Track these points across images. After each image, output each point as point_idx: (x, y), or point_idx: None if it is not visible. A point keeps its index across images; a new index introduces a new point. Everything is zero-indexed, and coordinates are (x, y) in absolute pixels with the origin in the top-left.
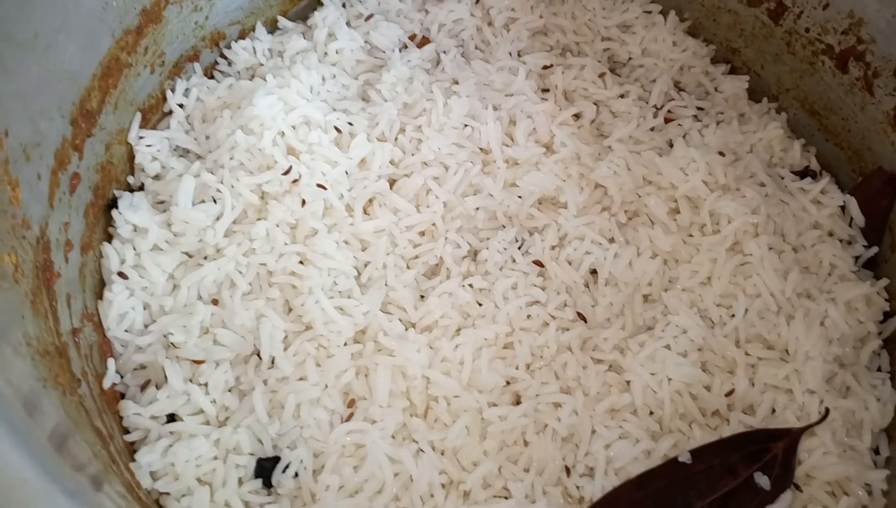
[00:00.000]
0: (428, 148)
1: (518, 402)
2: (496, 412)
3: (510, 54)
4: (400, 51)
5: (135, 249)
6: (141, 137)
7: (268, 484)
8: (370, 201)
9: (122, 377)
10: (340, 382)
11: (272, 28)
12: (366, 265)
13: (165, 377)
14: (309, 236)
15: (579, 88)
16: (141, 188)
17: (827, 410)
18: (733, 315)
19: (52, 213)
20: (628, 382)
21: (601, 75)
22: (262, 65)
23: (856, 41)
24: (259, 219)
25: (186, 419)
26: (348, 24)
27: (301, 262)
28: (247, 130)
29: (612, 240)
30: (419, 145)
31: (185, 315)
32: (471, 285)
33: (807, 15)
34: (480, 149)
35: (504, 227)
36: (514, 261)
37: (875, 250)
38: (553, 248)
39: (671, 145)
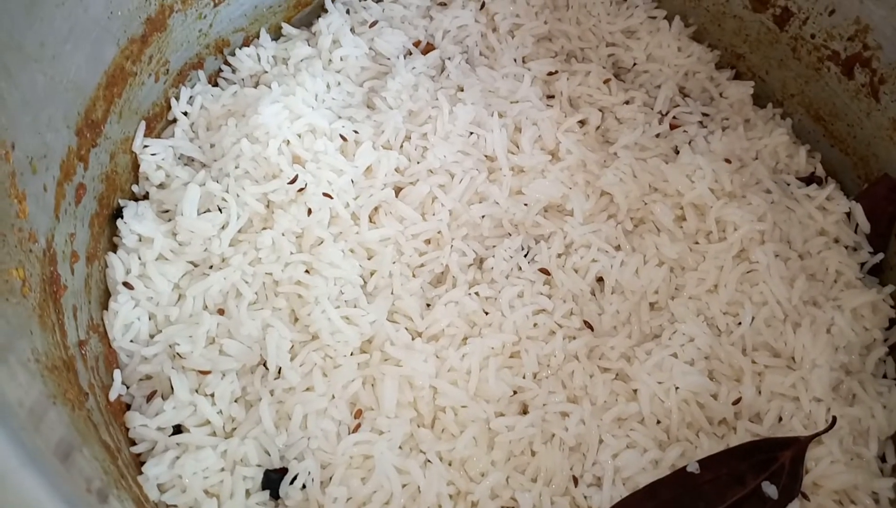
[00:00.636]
0: (433, 156)
1: (525, 412)
2: (503, 422)
3: (515, 61)
4: (404, 57)
5: (140, 259)
6: (145, 146)
7: (275, 496)
8: (376, 209)
9: (127, 387)
10: (347, 392)
11: (276, 35)
12: (372, 274)
13: (171, 387)
14: (315, 245)
15: (584, 95)
16: (146, 197)
17: (834, 418)
18: (740, 323)
19: (57, 225)
20: (635, 391)
21: (606, 81)
22: (266, 72)
23: (862, 47)
24: (265, 228)
25: (193, 430)
26: (352, 30)
27: (307, 271)
28: (252, 138)
29: (618, 248)
30: (425, 153)
31: (190, 325)
32: (477, 294)
33: (813, 21)
34: (486, 156)
35: (510, 235)
36: (520, 269)
37: (881, 256)
38: (559, 256)
39: (677, 152)
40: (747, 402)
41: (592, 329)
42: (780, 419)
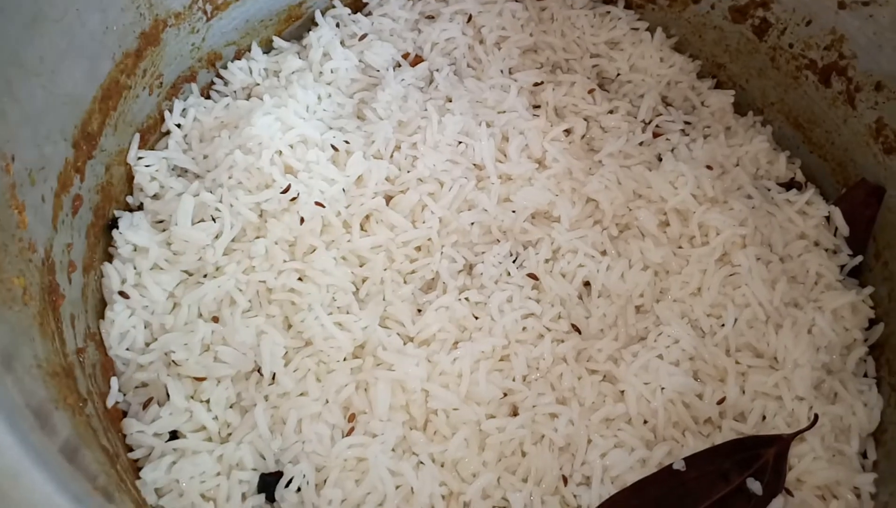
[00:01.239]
0: (423, 165)
1: (515, 413)
2: (494, 424)
3: (502, 72)
4: (394, 69)
5: (135, 268)
6: (140, 158)
7: (271, 499)
8: (367, 217)
9: (124, 395)
10: (341, 397)
11: (268, 48)
12: (364, 281)
13: (167, 394)
14: (307, 252)
15: (570, 105)
16: (140, 208)
17: (816, 416)
18: (723, 325)
19: (55, 235)
20: (622, 392)
21: (591, 91)
22: (258, 84)
23: (838, 56)
24: (258, 237)
25: (189, 435)
26: (342, 43)
27: (300, 278)
28: (245, 149)
29: (604, 253)
30: (414, 162)
31: (185, 333)
32: (467, 299)
33: (790, 31)
34: (474, 165)
35: (498, 241)
36: (508, 274)
37: (860, 258)
38: (547, 261)
39: (660, 159)
40: (731, 401)
41: (580, 332)
42: (764, 417)
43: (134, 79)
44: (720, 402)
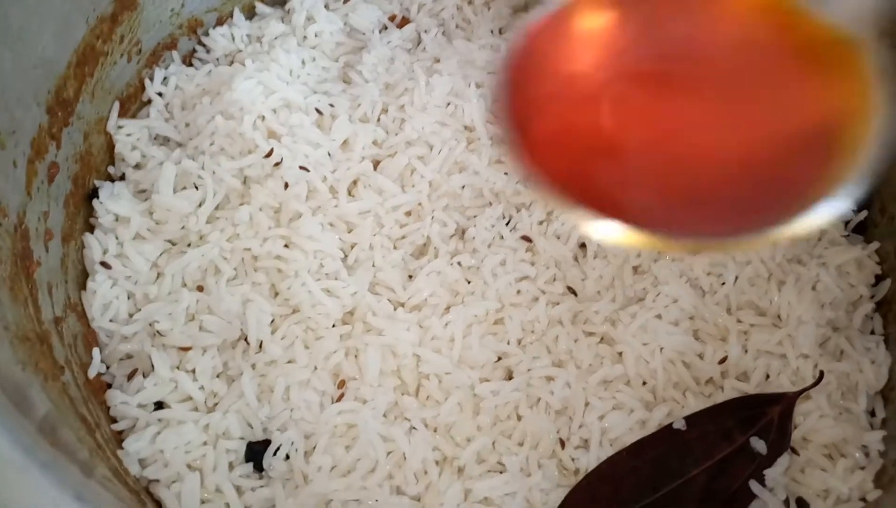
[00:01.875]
0: (411, 127)
1: (510, 377)
2: (488, 388)
3: (492, 32)
4: (380, 32)
5: (117, 238)
6: (120, 127)
7: (259, 468)
8: (354, 182)
9: (108, 367)
10: (330, 363)
11: (250, 14)
12: (352, 247)
13: (152, 365)
14: (293, 219)
15: None
16: (122, 178)
17: (821, 373)
18: (724, 283)
19: (30, 202)
20: (620, 353)
21: None
22: (240, 51)
23: None
24: (242, 204)
25: (174, 406)
26: (326, 7)
27: (286, 246)
28: (227, 114)
29: None
30: (402, 125)
31: (170, 303)
32: (459, 264)
33: None
34: (465, 127)
35: (491, 204)
36: (501, 238)
37: (864, 214)
38: (541, 223)
39: None
40: (733, 360)
41: (576, 294)
42: (768, 376)
43: (111, 45)
44: (722, 361)
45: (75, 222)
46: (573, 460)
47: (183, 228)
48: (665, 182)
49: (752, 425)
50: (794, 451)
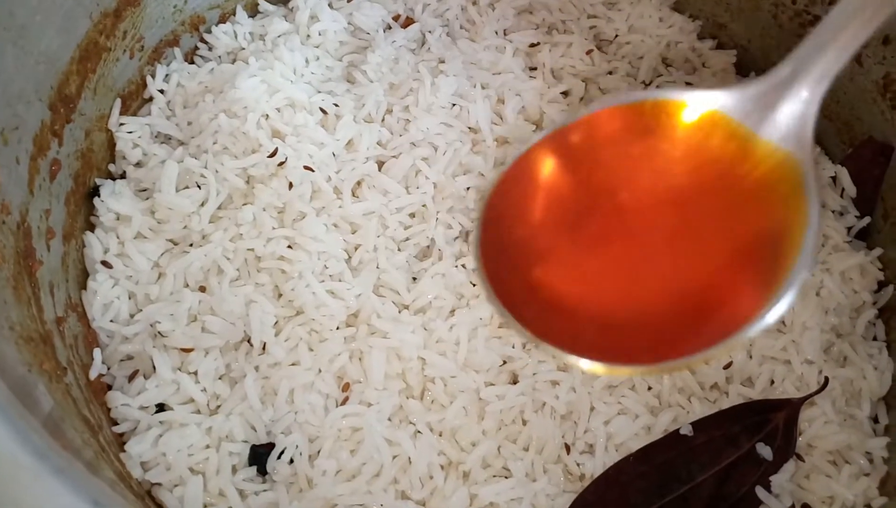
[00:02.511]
0: (416, 128)
1: (515, 381)
2: (494, 392)
3: (496, 33)
4: (384, 31)
5: (118, 237)
6: (122, 124)
7: (262, 471)
8: (358, 183)
9: (108, 368)
10: (334, 366)
11: (253, 12)
12: (356, 248)
13: (153, 366)
14: (297, 219)
15: (567, 66)
16: (122, 176)
17: (826, 379)
18: None
19: (32, 200)
20: None
21: (588, 53)
22: (243, 49)
23: None
24: (245, 204)
25: (177, 408)
26: (330, 5)
27: (290, 246)
28: (230, 113)
29: None
30: (407, 126)
31: (171, 303)
32: (464, 266)
33: None
34: (469, 128)
35: None
36: None
37: (867, 220)
38: None
39: None
40: (738, 366)
41: None
42: (772, 382)
43: (114, 41)
44: (727, 367)
45: (76, 221)
46: (578, 465)
47: (185, 227)
48: (614, 319)
49: (758, 431)
50: (799, 457)
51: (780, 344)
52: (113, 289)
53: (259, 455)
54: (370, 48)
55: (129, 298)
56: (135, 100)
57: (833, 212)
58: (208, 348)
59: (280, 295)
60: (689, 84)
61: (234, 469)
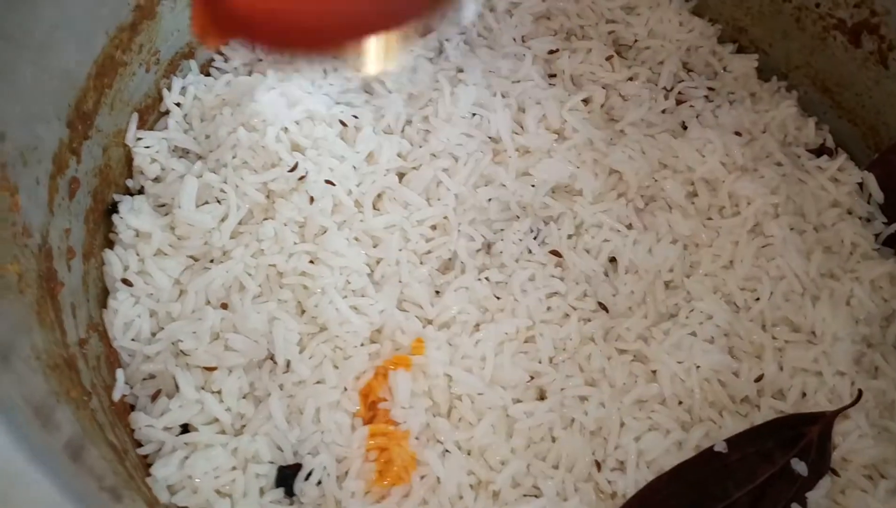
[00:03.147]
0: (436, 139)
1: (543, 397)
2: (522, 409)
3: (514, 40)
4: None
5: (138, 254)
6: (139, 139)
7: (290, 493)
8: (379, 195)
9: (131, 387)
10: (360, 383)
11: None
12: (378, 262)
13: (177, 386)
14: (319, 234)
15: (587, 73)
16: (141, 192)
17: (860, 392)
18: (758, 299)
19: (52, 220)
20: (654, 371)
21: (608, 58)
22: (260, 60)
23: (869, 14)
24: (266, 218)
25: (201, 428)
26: None
27: (311, 261)
28: (249, 126)
29: (630, 226)
30: (427, 137)
31: (193, 321)
32: (487, 279)
33: None
34: (490, 138)
35: (518, 217)
36: (530, 252)
37: (895, 227)
38: (570, 237)
39: (684, 127)
40: (770, 378)
41: (607, 311)
42: (804, 394)
43: (130, 55)
44: (758, 379)
45: (95, 239)
46: (609, 483)
47: (206, 243)
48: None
49: (792, 446)
50: (834, 472)
51: (811, 355)
52: (134, 307)
53: (286, 477)
54: None
55: (151, 316)
56: (151, 114)
57: (860, 219)
58: (232, 366)
59: (303, 311)
60: (711, 89)
61: (262, 492)
